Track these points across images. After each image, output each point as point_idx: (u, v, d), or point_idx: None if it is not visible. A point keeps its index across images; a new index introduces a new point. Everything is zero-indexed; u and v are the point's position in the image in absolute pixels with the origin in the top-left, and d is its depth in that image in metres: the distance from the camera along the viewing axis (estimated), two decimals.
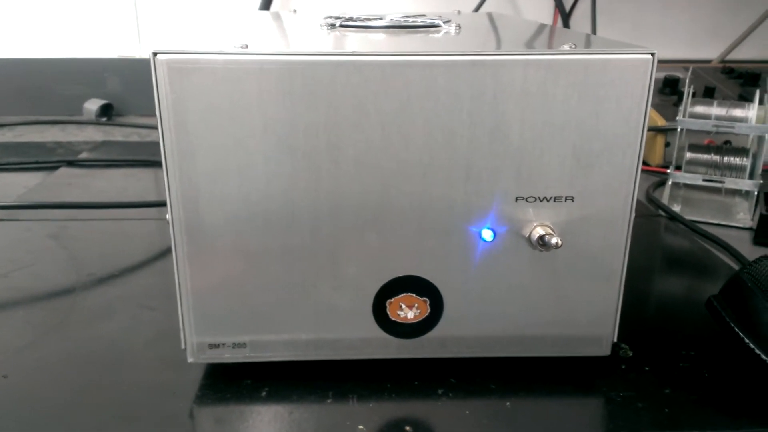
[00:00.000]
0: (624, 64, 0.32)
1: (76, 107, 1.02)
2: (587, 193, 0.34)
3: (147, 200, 0.63)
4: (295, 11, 0.65)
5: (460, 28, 0.43)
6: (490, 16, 0.63)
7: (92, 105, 1.01)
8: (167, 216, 0.34)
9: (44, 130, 0.97)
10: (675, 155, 0.66)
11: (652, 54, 0.32)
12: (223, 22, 0.50)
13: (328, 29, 0.43)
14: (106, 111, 1.02)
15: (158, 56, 0.31)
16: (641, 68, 0.32)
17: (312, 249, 0.35)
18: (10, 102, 1.03)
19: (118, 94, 1.04)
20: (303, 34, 0.42)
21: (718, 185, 0.64)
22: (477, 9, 1.02)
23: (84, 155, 0.83)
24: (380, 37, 0.41)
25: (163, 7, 1.04)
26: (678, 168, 0.66)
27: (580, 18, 1.06)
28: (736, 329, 0.37)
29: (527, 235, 0.35)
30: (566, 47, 0.32)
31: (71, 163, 0.79)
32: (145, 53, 1.05)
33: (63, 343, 0.41)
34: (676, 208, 0.65)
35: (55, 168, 0.78)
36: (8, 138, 0.92)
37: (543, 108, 0.32)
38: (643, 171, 0.35)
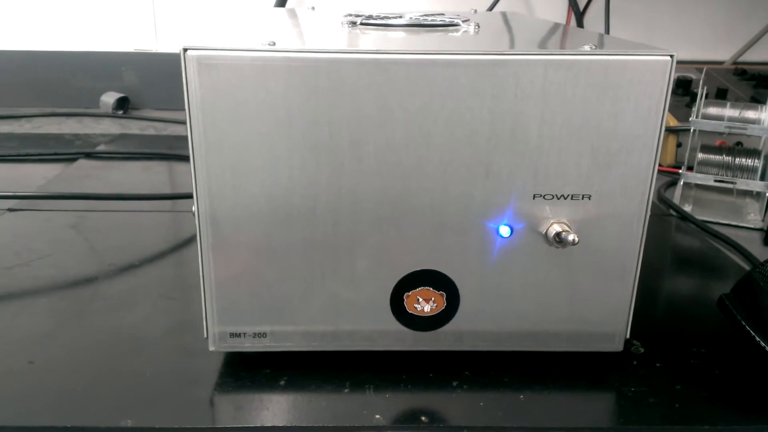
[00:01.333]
0: (643, 65, 0.32)
1: (92, 100, 1.03)
2: (604, 191, 0.35)
3: (164, 192, 0.64)
4: (313, 8, 0.66)
5: (479, 27, 0.44)
6: (505, 16, 0.64)
7: (109, 98, 1.02)
8: (193, 208, 0.35)
9: (62, 122, 0.98)
10: (687, 156, 0.67)
11: (671, 56, 0.32)
12: (245, 18, 0.51)
13: (349, 27, 0.43)
14: (123, 104, 1.04)
15: (188, 52, 0.32)
16: (660, 70, 0.32)
17: (332, 242, 0.36)
18: (28, 94, 1.04)
19: (135, 88, 1.05)
20: (325, 31, 0.43)
21: (730, 186, 0.64)
22: (491, 8, 1.02)
23: (101, 147, 0.84)
24: (400, 35, 0.41)
25: (181, 1, 1.05)
26: (690, 168, 0.67)
27: (593, 18, 1.06)
28: (748, 327, 0.38)
29: (544, 232, 0.35)
30: (586, 48, 0.33)
31: (89, 155, 0.81)
32: (161, 47, 1.06)
33: (85, 331, 0.42)
34: (688, 208, 0.65)
35: (74, 160, 0.79)
36: (27, 129, 0.94)
37: (562, 107, 0.33)
38: None
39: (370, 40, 0.38)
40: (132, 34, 1.06)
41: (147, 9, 1.05)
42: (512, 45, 0.39)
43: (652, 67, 0.32)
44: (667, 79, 0.32)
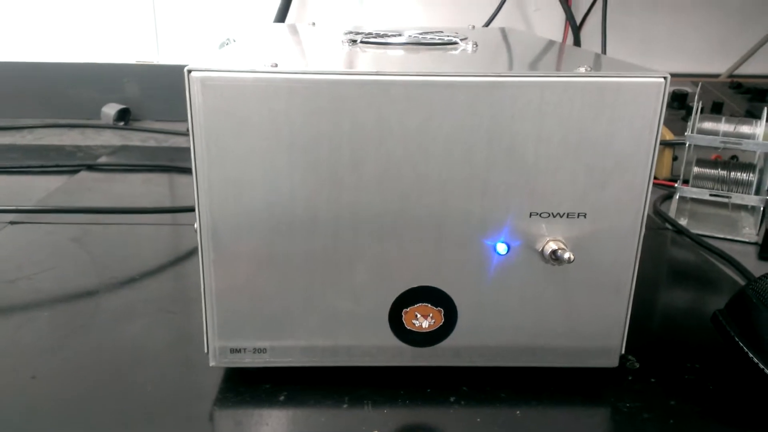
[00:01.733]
0: (637, 87, 0.33)
1: (94, 111, 1.04)
2: (599, 209, 0.35)
3: (165, 206, 0.65)
4: (313, 24, 0.67)
5: (476, 45, 0.45)
6: (503, 32, 0.64)
7: (110, 109, 1.03)
8: (195, 225, 0.36)
9: (63, 133, 0.99)
10: (683, 169, 0.67)
11: (665, 78, 0.33)
12: (247, 35, 0.52)
13: (349, 45, 0.44)
14: (124, 115, 1.04)
15: (192, 73, 0.32)
16: (654, 91, 0.33)
17: (332, 257, 0.36)
18: (30, 104, 1.05)
19: (136, 99, 1.06)
20: (326, 50, 0.44)
21: (725, 200, 0.65)
22: (488, 23, 1.04)
23: (103, 159, 0.85)
24: (400, 53, 0.42)
25: (182, 14, 1.06)
26: (685, 182, 0.67)
27: (590, 32, 1.07)
28: (741, 344, 0.38)
29: (540, 249, 0.36)
30: (582, 69, 0.33)
31: (91, 167, 0.81)
32: (162, 59, 1.07)
33: (87, 345, 0.43)
34: (683, 221, 0.66)
35: (75, 171, 0.80)
36: (28, 140, 0.94)
37: (558, 127, 0.34)
38: None
39: (370, 59, 0.39)
40: (133, 46, 1.07)
41: (148, 21, 1.06)
42: (510, 65, 0.40)
43: (647, 88, 0.33)
44: (661, 100, 0.33)
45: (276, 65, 0.33)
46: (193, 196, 0.35)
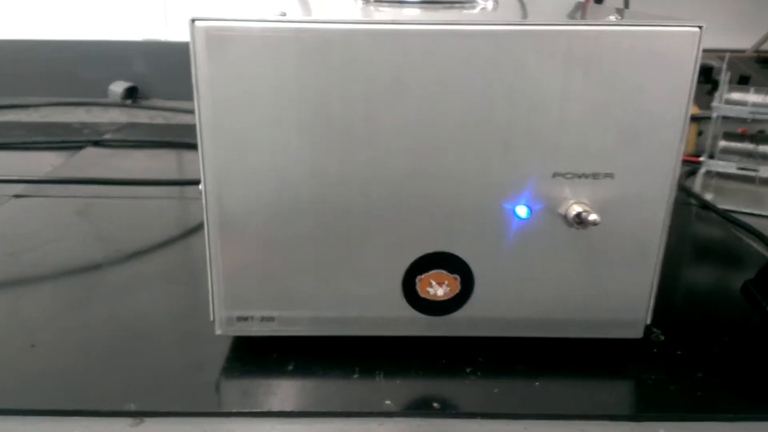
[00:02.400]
0: (671, 36, 0.31)
1: (101, 89, 1.02)
2: (627, 170, 0.33)
3: (172, 178, 0.63)
4: None
5: (497, 3, 0.42)
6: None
7: (117, 87, 1.01)
8: (200, 187, 0.34)
9: (70, 111, 0.98)
10: (708, 143, 0.65)
11: (700, 27, 0.31)
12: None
13: (363, 3, 0.42)
14: (131, 93, 1.03)
15: (196, 23, 0.31)
16: (689, 41, 0.31)
17: (343, 223, 0.34)
18: (36, 83, 1.04)
19: (144, 77, 1.04)
20: (338, 6, 0.42)
21: (752, 174, 0.62)
22: None
23: (109, 136, 0.84)
24: (416, 11, 0.40)
25: None
26: (711, 157, 0.65)
27: (612, 4, 1.04)
28: None
29: (563, 212, 0.34)
30: (612, 18, 0.31)
31: (97, 143, 0.80)
32: (171, 36, 1.05)
33: (90, 316, 0.41)
34: (708, 196, 0.64)
35: (81, 148, 0.78)
36: (34, 118, 0.93)
37: (585, 81, 0.31)
38: None
39: (385, 14, 0.37)
40: (141, 23, 1.05)
41: None
42: (533, 18, 0.38)
43: (680, 38, 0.31)
44: (696, 51, 0.31)
45: (284, 14, 0.31)
46: (198, 158, 0.33)
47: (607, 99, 0.32)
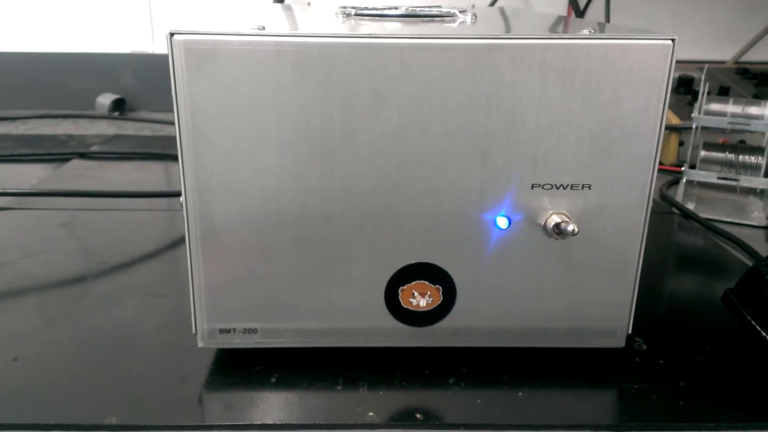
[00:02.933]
0: (644, 49, 0.31)
1: (89, 102, 1.02)
2: (604, 180, 0.34)
3: (157, 190, 0.63)
4: (309, 4, 0.65)
5: (476, 17, 0.43)
6: (504, 10, 0.63)
7: (105, 99, 1.01)
8: (181, 200, 0.34)
9: (57, 123, 0.97)
10: (690, 153, 0.66)
11: (673, 40, 0.31)
12: (238, 12, 0.50)
13: (343, 18, 0.43)
14: (119, 106, 1.03)
15: (175, 37, 0.31)
16: (661, 54, 0.31)
17: (324, 235, 0.35)
18: (23, 95, 1.04)
19: (131, 89, 1.04)
20: (319, 21, 0.42)
21: (733, 183, 0.63)
22: (492, 3, 1.02)
23: (96, 148, 0.83)
24: (396, 25, 0.40)
25: (177, 2, 1.04)
26: (692, 166, 0.66)
27: (593, 17, 1.05)
28: (753, 322, 0.37)
29: (543, 223, 0.34)
30: (586, 32, 0.32)
31: (83, 155, 0.80)
32: (158, 49, 1.05)
33: (73, 329, 0.41)
34: (690, 206, 0.64)
35: (67, 160, 0.78)
36: (21, 130, 0.93)
37: (561, 93, 0.32)
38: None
39: (364, 28, 0.38)
40: (129, 36, 1.05)
41: (143, 9, 1.04)
42: (510, 31, 0.38)
43: (653, 51, 0.31)
44: (669, 64, 0.31)
45: (263, 28, 0.31)
46: (176, 173, 0.33)
47: (583, 111, 0.32)
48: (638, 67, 0.32)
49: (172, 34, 0.31)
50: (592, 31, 0.32)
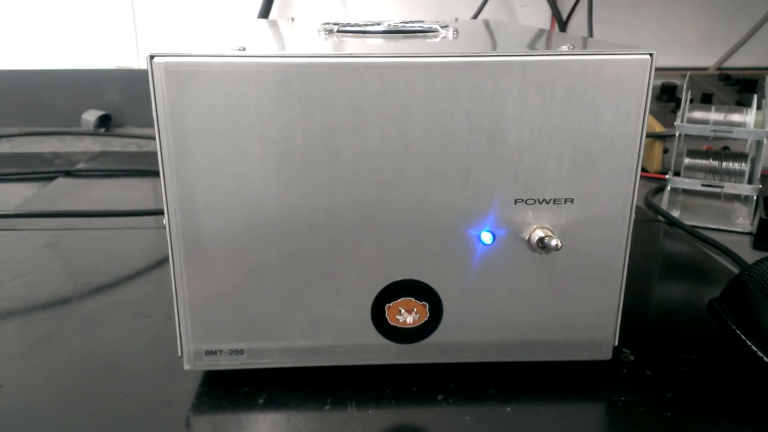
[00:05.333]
0: (622, 64, 0.32)
1: (74, 118, 1.02)
2: (587, 195, 0.34)
3: (143, 209, 0.63)
4: (293, 19, 0.65)
5: (457, 32, 0.43)
6: (487, 23, 0.63)
7: (90, 116, 1.01)
8: (164, 220, 0.34)
9: (42, 140, 0.97)
10: (674, 161, 0.66)
11: (651, 54, 0.32)
12: (221, 28, 0.50)
13: (325, 35, 0.43)
14: (105, 122, 1.02)
15: (155, 59, 0.31)
16: (639, 69, 0.32)
17: (309, 254, 0.35)
18: (8, 113, 1.03)
19: (117, 105, 1.04)
20: (301, 39, 0.42)
21: (717, 190, 0.64)
22: (475, 16, 1.02)
23: (81, 165, 0.83)
24: (378, 41, 0.41)
25: (162, 18, 1.04)
26: (677, 174, 0.66)
27: (577, 27, 1.06)
28: (738, 331, 0.37)
29: (527, 237, 0.34)
30: (564, 48, 0.32)
31: (69, 173, 0.79)
32: (143, 64, 1.05)
33: (58, 352, 0.41)
34: (676, 213, 0.65)
35: (53, 178, 0.78)
36: (6, 149, 0.92)
37: (541, 109, 0.32)
38: (641, 177, 0.35)
39: (345, 46, 0.38)
40: (113, 52, 1.05)
41: (128, 25, 1.04)
42: (491, 48, 0.38)
43: (631, 66, 0.32)
44: (647, 79, 0.32)
45: (243, 49, 0.31)
46: (161, 191, 0.33)
47: (564, 126, 0.32)
48: (617, 81, 0.32)
49: (152, 57, 0.31)
50: (571, 47, 0.32)
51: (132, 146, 0.95)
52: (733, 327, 0.37)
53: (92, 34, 1.04)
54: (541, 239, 0.34)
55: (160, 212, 0.64)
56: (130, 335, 0.43)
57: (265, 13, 0.99)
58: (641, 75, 0.32)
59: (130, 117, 1.04)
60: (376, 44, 0.39)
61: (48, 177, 0.78)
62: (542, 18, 1.07)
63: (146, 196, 0.71)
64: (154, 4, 1.04)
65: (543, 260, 0.35)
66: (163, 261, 0.54)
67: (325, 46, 0.37)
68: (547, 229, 0.34)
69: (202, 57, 0.31)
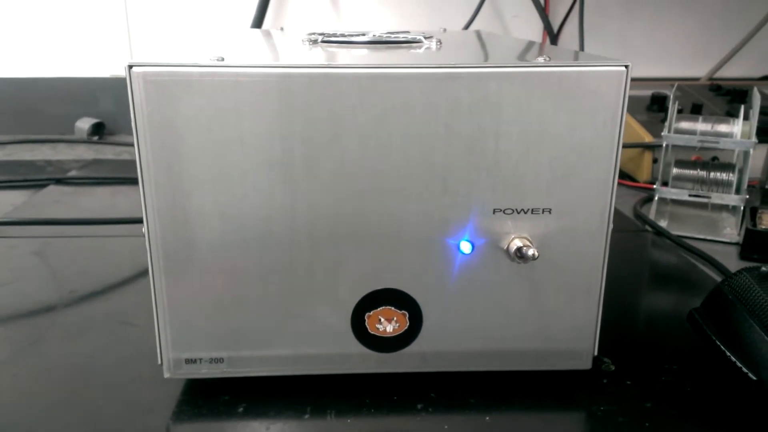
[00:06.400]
0: (598, 76, 0.32)
1: (68, 126, 1.02)
2: (564, 204, 0.34)
3: (131, 216, 0.63)
4: (282, 29, 0.66)
5: (440, 43, 0.43)
6: (478, 34, 0.64)
7: (84, 124, 1.01)
8: (143, 229, 0.34)
9: (35, 148, 0.97)
10: (661, 171, 0.66)
11: (626, 66, 0.32)
12: (207, 38, 0.50)
13: (310, 45, 0.43)
14: (98, 130, 1.03)
15: (134, 69, 0.31)
16: (615, 80, 0.32)
17: (289, 263, 0.35)
18: (2, 121, 1.03)
19: (110, 113, 1.04)
20: (284, 49, 0.42)
21: (705, 200, 0.64)
22: (466, 27, 1.03)
23: (73, 173, 0.83)
24: (362, 52, 0.41)
25: (155, 26, 1.05)
26: (665, 184, 0.66)
27: (568, 39, 1.07)
28: (717, 342, 0.37)
29: (505, 247, 0.34)
30: (540, 60, 0.32)
31: (60, 181, 0.79)
32: None
33: (41, 360, 0.41)
34: (663, 223, 0.65)
35: (44, 186, 0.78)
36: None
37: (518, 120, 0.32)
38: (630, 187, 0.35)
39: (327, 56, 0.38)
40: (107, 59, 1.05)
41: (122, 34, 1.05)
42: (471, 59, 0.39)
43: (607, 77, 0.32)
44: (623, 90, 0.32)
45: (222, 59, 0.31)
46: (140, 201, 0.33)
47: (540, 137, 0.33)
48: (593, 93, 0.32)
49: (130, 66, 0.31)
50: (547, 59, 0.33)
51: (125, 154, 0.95)
52: (713, 337, 0.37)
53: (86, 42, 1.05)
54: (519, 249, 0.34)
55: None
56: (113, 343, 0.43)
57: (258, 22, 0.99)
58: (617, 86, 0.32)
59: (124, 125, 1.05)
60: (358, 55, 0.40)
61: (39, 184, 0.78)
62: (534, 29, 1.08)
63: (136, 205, 0.71)
64: (149, 14, 1.04)
65: (522, 270, 0.35)
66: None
67: (307, 56, 0.38)
68: (526, 238, 0.34)
69: (180, 67, 0.31)
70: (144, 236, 0.34)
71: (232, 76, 0.31)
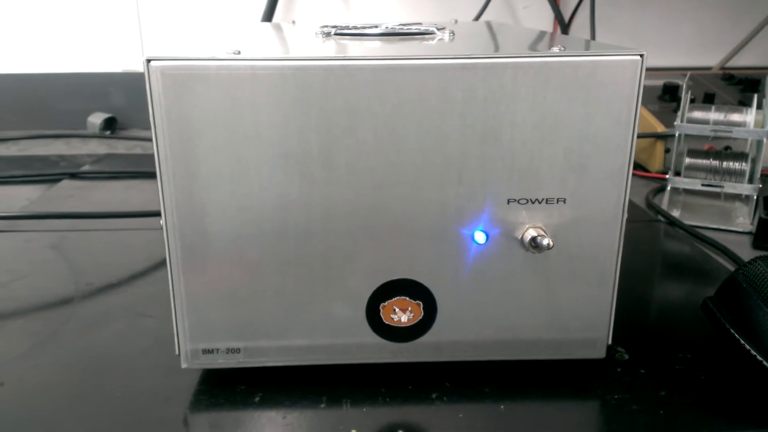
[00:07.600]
0: (613, 65, 0.32)
1: (80, 121, 1.03)
2: (579, 194, 0.34)
3: (146, 210, 0.64)
4: (293, 22, 0.66)
5: (453, 34, 0.44)
6: (489, 24, 0.63)
7: (96, 119, 1.02)
8: (161, 222, 0.34)
9: (48, 143, 0.98)
10: (674, 161, 0.66)
11: (641, 55, 0.32)
12: (220, 31, 0.51)
13: (323, 38, 0.43)
14: (110, 125, 1.03)
15: (152, 63, 0.31)
16: (630, 69, 0.32)
17: (305, 254, 0.35)
18: (15, 117, 1.04)
19: (122, 108, 1.05)
20: (298, 42, 0.43)
21: (717, 190, 0.64)
22: (477, 18, 1.03)
23: (86, 168, 0.84)
24: (375, 44, 0.41)
25: (167, 21, 1.05)
26: (677, 174, 0.66)
27: (580, 29, 1.06)
28: (732, 330, 0.37)
29: (520, 237, 0.35)
30: (555, 50, 0.32)
31: (74, 176, 0.80)
32: None
33: (59, 352, 0.41)
34: (676, 213, 0.65)
35: (58, 180, 0.78)
36: (12, 152, 0.93)
37: (533, 110, 0.32)
38: (642, 177, 0.35)
39: (342, 49, 0.38)
40: (119, 55, 1.06)
41: (133, 29, 1.05)
42: (485, 50, 0.39)
43: (622, 67, 0.32)
44: (638, 79, 0.32)
45: (239, 52, 0.32)
46: (158, 193, 0.34)
47: (555, 127, 0.33)
48: (608, 83, 0.32)
49: (149, 60, 0.31)
50: (562, 48, 0.33)
51: (137, 149, 0.96)
52: (727, 326, 0.37)
53: (98, 37, 1.05)
54: (533, 238, 0.34)
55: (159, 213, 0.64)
56: (130, 334, 0.43)
57: (268, 16, 1.00)
58: (632, 76, 0.32)
59: (136, 120, 1.05)
60: (372, 47, 0.40)
61: (53, 179, 0.79)
62: (546, 19, 1.08)
63: (150, 198, 0.72)
64: (160, 8, 1.05)
65: (536, 259, 0.35)
66: (164, 262, 0.55)
67: (321, 48, 0.38)
68: (540, 228, 0.34)
69: (198, 61, 0.31)
70: (162, 229, 0.35)
71: (248, 70, 0.31)
